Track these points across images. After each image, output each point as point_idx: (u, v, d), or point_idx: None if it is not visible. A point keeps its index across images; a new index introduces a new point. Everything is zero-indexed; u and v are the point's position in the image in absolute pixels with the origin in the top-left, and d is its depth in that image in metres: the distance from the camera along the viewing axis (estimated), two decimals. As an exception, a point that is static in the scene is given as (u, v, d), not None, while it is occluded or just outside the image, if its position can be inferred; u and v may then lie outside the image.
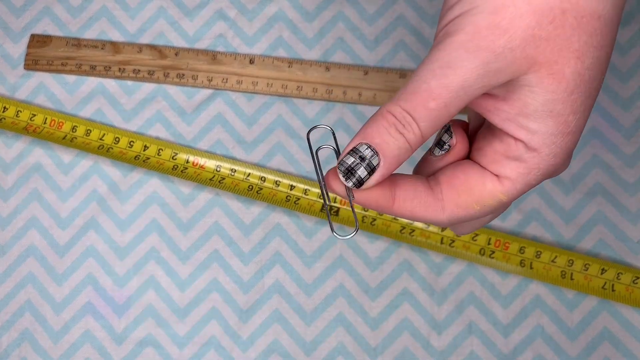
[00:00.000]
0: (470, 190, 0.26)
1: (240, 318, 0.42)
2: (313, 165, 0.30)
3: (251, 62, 0.45)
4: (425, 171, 0.28)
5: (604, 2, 0.23)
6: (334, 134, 0.28)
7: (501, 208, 0.27)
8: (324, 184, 0.27)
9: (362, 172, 0.25)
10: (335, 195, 0.42)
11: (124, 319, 0.42)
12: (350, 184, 0.25)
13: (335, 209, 0.42)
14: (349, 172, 0.25)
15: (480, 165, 0.27)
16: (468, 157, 0.28)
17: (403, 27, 0.45)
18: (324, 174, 0.26)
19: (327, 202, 0.27)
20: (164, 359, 0.42)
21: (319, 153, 0.28)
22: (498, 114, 0.25)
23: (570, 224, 0.42)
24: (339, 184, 0.26)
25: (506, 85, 0.24)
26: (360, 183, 0.25)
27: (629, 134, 0.43)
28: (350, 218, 0.42)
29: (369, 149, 0.25)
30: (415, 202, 0.26)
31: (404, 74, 0.44)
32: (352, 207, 0.27)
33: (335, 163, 0.26)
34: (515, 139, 0.25)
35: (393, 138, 0.25)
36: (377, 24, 0.45)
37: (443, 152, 0.27)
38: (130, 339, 0.42)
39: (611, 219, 0.42)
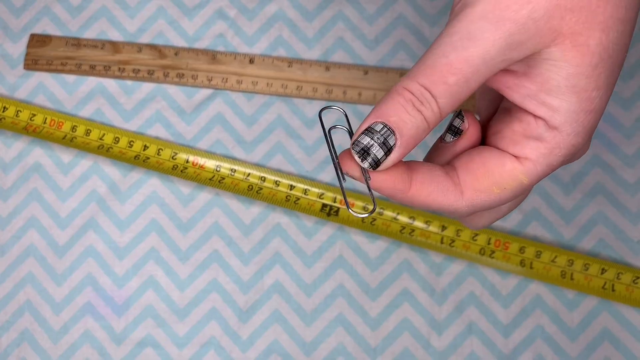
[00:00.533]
0: (488, 172, 0.25)
1: (240, 318, 0.42)
2: (327, 145, 0.28)
3: (251, 61, 0.45)
4: (438, 159, 0.27)
5: None
6: (346, 115, 0.27)
7: (522, 193, 0.26)
8: (339, 164, 0.25)
9: (378, 152, 0.24)
10: (333, 196, 0.42)
11: (123, 319, 0.42)
12: (366, 165, 0.24)
13: (336, 209, 0.42)
14: (364, 152, 0.24)
15: (498, 149, 0.26)
16: (483, 144, 0.27)
17: (403, 27, 0.45)
18: (338, 155, 0.25)
19: (343, 180, 0.26)
20: (164, 359, 0.42)
21: (332, 133, 0.26)
22: (518, 91, 0.24)
23: (571, 224, 0.42)
24: (354, 165, 0.24)
25: (527, 60, 0.23)
26: (376, 164, 0.24)
27: (630, 134, 0.43)
28: (351, 218, 0.42)
29: (385, 128, 0.24)
30: (433, 186, 0.25)
31: (404, 74, 0.44)
32: (368, 188, 0.25)
33: (349, 145, 0.24)
34: (536, 117, 0.24)
35: (410, 116, 0.24)
36: (377, 23, 0.45)
37: (455, 137, 0.26)
38: (129, 339, 0.42)
39: (611, 219, 0.42)
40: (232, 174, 0.43)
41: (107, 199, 0.44)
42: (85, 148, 0.43)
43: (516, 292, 0.42)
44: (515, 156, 0.25)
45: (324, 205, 0.42)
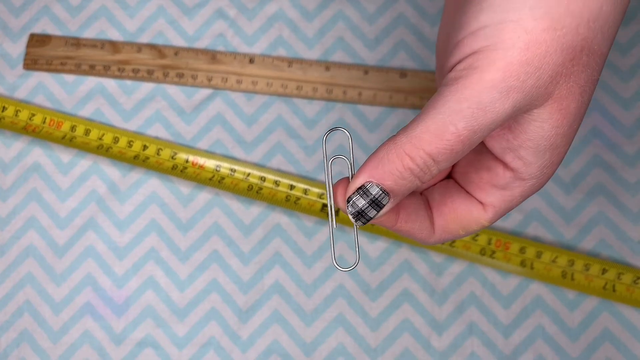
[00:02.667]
0: (457, 218, 0.27)
1: (240, 318, 0.42)
2: (325, 178, 0.30)
3: (251, 61, 0.45)
4: None
5: (606, 41, 0.23)
6: (351, 140, 0.27)
7: (479, 230, 0.28)
8: (332, 198, 0.27)
9: (370, 212, 0.25)
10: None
11: (123, 320, 0.42)
12: (358, 224, 0.25)
13: (336, 209, 0.42)
14: (358, 213, 0.25)
15: (466, 191, 0.28)
16: (451, 175, 0.29)
17: (403, 27, 0.45)
18: (333, 189, 0.26)
19: (333, 226, 0.27)
20: (163, 359, 0.42)
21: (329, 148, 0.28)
22: (499, 142, 0.25)
23: (571, 224, 0.42)
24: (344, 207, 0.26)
25: (515, 116, 0.24)
26: (367, 221, 0.25)
27: (630, 134, 0.43)
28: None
29: (379, 190, 0.24)
30: (415, 225, 0.27)
31: (405, 74, 0.44)
32: (355, 236, 0.27)
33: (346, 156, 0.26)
34: (505, 167, 0.26)
35: (407, 182, 0.24)
36: (378, 23, 0.45)
37: None
38: (129, 339, 0.42)
39: (612, 219, 0.42)
40: (232, 174, 0.43)
41: (107, 199, 0.44)
42: (84, 148, 0.43)
43: (517, 292, 0.42)
44: (480, 202, 0.27)
45: (324, 205, 0.42)
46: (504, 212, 0.27)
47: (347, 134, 0.27)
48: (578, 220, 0.42)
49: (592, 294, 0.41)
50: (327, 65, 0.44)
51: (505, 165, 0.26)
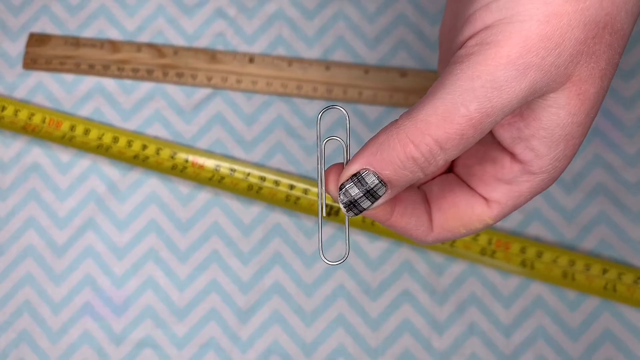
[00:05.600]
0: (458, 214, 0.25)
1: (240, 319, 0.42)
2: (316, 162, 0.26)
3: (251, 61, 0.45)
4: None
5: (630, 18, 0.21)
6: (348, 120, 0.24)
7: (483, 230, 0.26)
8: (323, 187, 0.24)
9: (364, 203, 0.22)
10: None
11: (122, 320, 0.42)
12: (350, 215, 0.23)
13: (336, 209, 0.42)
14: (351, 203, 0.22)
15: (468, 185, 0.25)
16: (452, 169, 0.26)
17: (404, 26, 0.45)
18: (325, 175, 0.24)
19: (322, 214, 0.24)
20: None
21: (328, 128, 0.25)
22: (510, 131, 0.23)
23: (572, 224, 0.42)
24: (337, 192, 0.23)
25: (529, 101, 0.22)
26: (360, 212, 0.23)
27: (631, 133, 0.43)
28: (352, 218, 0.41)
29: (377, 179, 0.22)
30: (411, 220, 0.24)
31: (405, 73, 0.44)
32: (347, 227, 0.25)
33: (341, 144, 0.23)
34: (513, 160, 0.23)
35: (408, 173, 0.22)
36: (378, 22, 0.45)
37: None
38: (128, 339, 0.42)
39: (613, 219, 0.42)
40: (232, 173, 0.43)
41: (106, 199, 0.43)
42: (84, 147, 0.43)
43: (517, 292, 0.41)
44: (484, 197, 0.24)
45: (325, 205, 0.42)
46: (510, 210, 0.24)
47: (345, 112, 0.24)
48: (579, 220, 0.42)
49: (593, 294, 0.41)
50: (327, 65, 0.44)
51: (514, 157, 0.23)
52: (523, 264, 0.41)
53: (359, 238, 0.42)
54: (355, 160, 0.22)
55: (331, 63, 0.44)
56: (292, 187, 0.42)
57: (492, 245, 0.41)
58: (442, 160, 0.21)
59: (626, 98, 0.43)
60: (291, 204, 0.42)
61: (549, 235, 0.42)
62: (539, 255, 0.41)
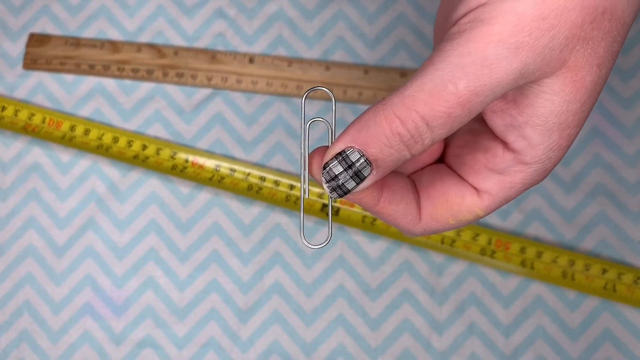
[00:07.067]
0: (448, 204, 0.24)
1: (240, 319, 0.42)
2: (300, 144, 0.25)
3: (251, 61, 0.45)
4: (398, 168, 0.25)
5: (631, 7, 0.21)
6: (334, 102, 0.24)
7: (473, 221, 0.25)
8: (306, 169, 0.23)
9: (349, 183, 0.21)
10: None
11: (122, 320, 0.42)
12: (334, 196, 0.22)
13: (336, 209, 0.42)
14: (335, 183, 0.22)
15: (458, 175, 0.24)
16: (443, 159, 0.26)
17: (404, 26, 0.45)
18: (309, 158, 0.23)
19: (305, 196, 0.23)
20: (163, 359, 0.42)
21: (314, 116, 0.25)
22: (502, 118, 0.22)
23: (572, 224, 0.42)
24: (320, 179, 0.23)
25: (521, 87, 0.21)
26: (345, 194, 0.22)
27: (631, 134, 0.43)
28: (351, 217, 0.41)
29: (362, 158, 0.21)
30: (399, 207, 0.24)
31: (405, 73, 0.44)
32: (330, 210, 0.24)
33: (326, 132, 0.22)
34: (505, 149, 0.23)
35: (394, 151, 0.21)
36: (378, 22, 0.45)
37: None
38: (129, 339, 0.42)
39: (613, 219, 0.42)
40: (232, 173, 0.43)
41: (106, 199, 0.44)
42: (84, 148, 0.43)
43: (517, 292, 0.41)
44: (475, 187, 0.24)
45: (324, 205, 0.42)
46: (502, 202, 0.23)
47: (330, 94, 0.24)
48: (578, 220, 0.42)
49: (593, 294, 0.41)
50: (327, 65, 0.44)
51: (506, 146, 0.23)
52: (523, 264, 0.41)
53: (359, 238, 0.42)
54: (340, 139, 0.21)
55: (331, 63, 0.44)
56: (292, 187, 0.42)
57: (492, 245, 0.41)
58: (428, 140, 0.21)
59: (626, 98, 0.43)
60: (291, 204, 0.42)
61: (549, 235, 0.42)
62: (539, 255, 0.41)
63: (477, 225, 0.42)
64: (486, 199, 0.23)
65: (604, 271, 0.40)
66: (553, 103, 0.21)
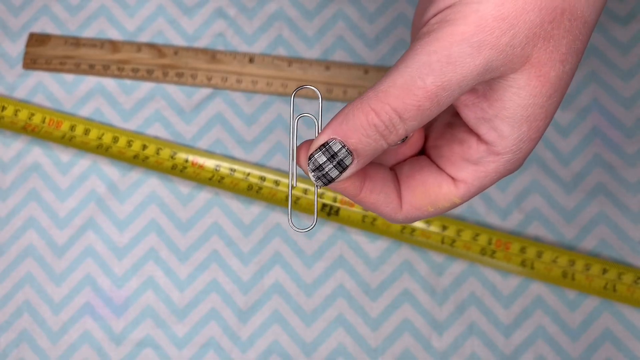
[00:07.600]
0: (426, 192, 0.26)
1: (240, 319, 0.42)
2: (289, 137, 0.28)
3: (251, 61, 0.45)
4: (378, 159, 0.28)
5: (591, 7, 0.23)
6: (320, 99, 0.26)
7: (451, 209, 0.27)
8: (294, 159, 0.25)
9: (332, 172, 0.24)
10: (334, 196, 0.42)
11: (122, 320, 0.42)
12: (319, 184, 0.24)
13: (336, 208, 0.42)
14: (319, 171, 0.24)
15: (437, 165, 0.26)
16: (424, 151, 0.28)
17: (404, 26, 0.45)
18: (297, 148, 0.25)
19: (293, 185, 0.26)
20: (163, 359, 0.41)
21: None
22: (474, 111, 0.24)
23: (572, 224, 0.42)
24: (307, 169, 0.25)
25: (490, 82, 0.23)
26: (329, 182, 0.24)
27: (631, 133, 0.43)
28: (351, 217, 0.41)
29: (343, 148, 0.23)
30: (380, 197, 0.26)
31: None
32: (315, 197, 0.26)
33: (313, 125, 0.25)
34: (479, 140, 0.24)
35: (372, 141, 0.23)
36: (378, 22, 0.45)
37: (399, 142, 0.26)
38: (128, 339, 0.42)
39: (613, 218, 0.42)
40: (232, 173, 0.43)
41: (106, 199, 0.43)
42: (84, 147, 0.43)
43: (517, 292, 0.41)
44: (451, 177, 0.26)
45: (324, 205, 0.42)
46: (477, 190, 0.25)
47: (317, 92, 0.26)
48: (579, 220, 0.42)
49: (593, 294, 0.41)
50: (327, 65, 0.44)
51: (480, 138, 0.25)
52: (523, 263, 0.41)
53: (359, 238, 0.42)
54: (323, 131, 0.24)
55: (331, 63, 0.44)
56: (292, 187, 0.42)
57: (492, 245, 0.41)
58: (402, 130, 0.23)
59: (626, 98, 0.43)
60: (291, 203, 0.42)
61: (549, 235, 0.42)
62: (539, 255, 0.41)
63: (478, 225, 0.42)
64: (462, 187, 0.25)
65: (604, 271, 0.40)
66: (520, 97, 0.23)
